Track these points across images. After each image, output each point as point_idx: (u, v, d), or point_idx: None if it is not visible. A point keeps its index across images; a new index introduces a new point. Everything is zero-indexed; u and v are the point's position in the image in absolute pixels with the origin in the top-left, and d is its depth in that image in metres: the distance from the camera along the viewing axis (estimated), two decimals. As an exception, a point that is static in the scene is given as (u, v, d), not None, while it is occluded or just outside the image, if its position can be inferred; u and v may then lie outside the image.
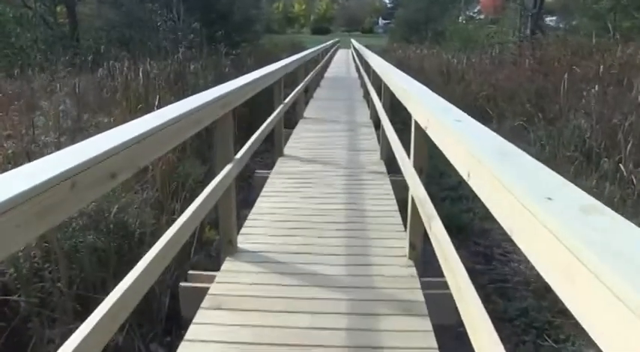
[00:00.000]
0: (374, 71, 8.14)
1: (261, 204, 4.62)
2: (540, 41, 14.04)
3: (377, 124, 8.56)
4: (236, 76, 4.51)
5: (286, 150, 6.43)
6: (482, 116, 9.77)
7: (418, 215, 2.90)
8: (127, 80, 8.02)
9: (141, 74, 7.91)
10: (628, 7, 16.35)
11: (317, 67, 13.98)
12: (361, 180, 5.33)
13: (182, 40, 12.35)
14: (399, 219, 4.22)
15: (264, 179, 5.54)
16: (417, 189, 2.95)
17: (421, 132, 2.86)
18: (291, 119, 8.69)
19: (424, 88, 3.41)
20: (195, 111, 2.43)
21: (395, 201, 4.76)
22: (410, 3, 45.61)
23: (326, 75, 18.49)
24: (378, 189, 5.04)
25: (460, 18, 34.29)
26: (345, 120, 8.97)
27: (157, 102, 7.75)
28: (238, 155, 3.49)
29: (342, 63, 25.75)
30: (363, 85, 12.43)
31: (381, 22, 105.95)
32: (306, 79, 9.16)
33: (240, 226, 3.93)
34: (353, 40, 28.68)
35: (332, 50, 25.84)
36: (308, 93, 11.78)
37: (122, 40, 15.54)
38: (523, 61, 11.16)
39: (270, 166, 6.38)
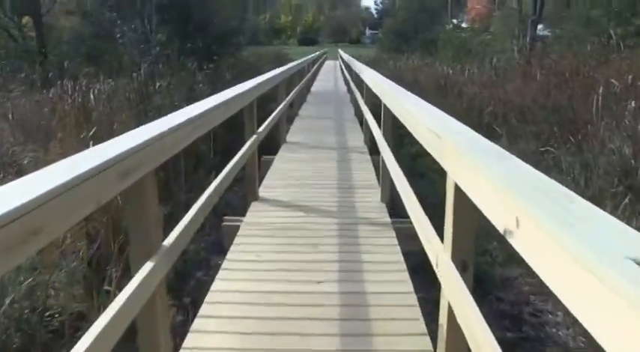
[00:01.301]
0: (367, 87, 6.92)
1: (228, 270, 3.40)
2: (543, 49, 12.90)
3: (372, 150, 7.38)
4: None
5: (262, 192, 5.14)
6: (490, 135, 8.57)
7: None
8: (75, 102, 6.75)
9: (92, 95, 6.63)
10: (621, 13, 15.40)
11: (303, 81, 12.74)
12: (357, 236, 4.06)
13: (147, 53, 11.00)
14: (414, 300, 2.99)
15: (235, 228, 4.29)
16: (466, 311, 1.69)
17: (463, 199, 1.67)
18: (272, 143, 7.44)
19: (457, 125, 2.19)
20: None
21: (405, 269, 3.49)
22: (397, 12, 44.76)
23: (313, 89, 17.23)
24: (380, 250, 3.78)
25: (447, 27, 33.35)
26: (334, 144, 7.70)
27: (114, 127, 6.51)
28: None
29: (329, 75, 24.47)
30: (354, 101, 11.20)
31: (368, 32, 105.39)
32: (287, 98, 7.89)
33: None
34: (341, 51, 27.54)
35: (319, 61, 24.62)
36: (293, 109, 10.52)
37: (91, 54, 14.26)
38: (532, 72, 9.94)
39: (242, 211, 5.12)
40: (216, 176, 3.63)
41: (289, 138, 7.99)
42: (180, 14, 15.73)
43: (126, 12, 13.48)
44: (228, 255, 3.75)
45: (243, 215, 4.58)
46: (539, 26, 17.97)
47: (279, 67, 10.77)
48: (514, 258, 5.53)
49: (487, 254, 5.71)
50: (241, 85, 4.56)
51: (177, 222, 2.40)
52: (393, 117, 3.94)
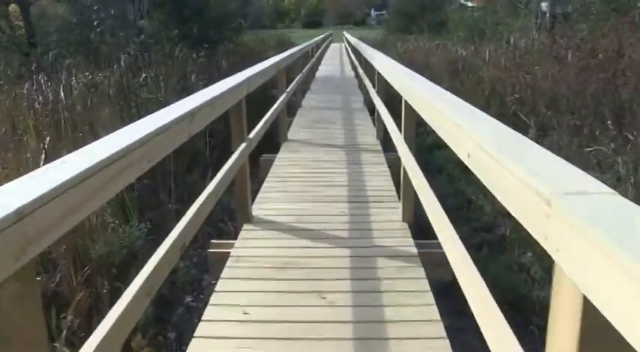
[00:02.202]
0: (379, 75, 5.98)
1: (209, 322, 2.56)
2: (569, 26, 11.82)
3: (386, 146, 6.43)
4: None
5: (257, 208, 4.19)
6: (515, 125, 7.60)
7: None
8: (46, 100, 5.81)
9: (62, 91, 5.68)
10: None
11: (307, 67, 11.74)
12: (378, 277, 3.11)
13: (129, 41, 9.95)
14: None
15: (223, 257, 3.41)
16: None
17: None
18: (272, 140, 6.51)
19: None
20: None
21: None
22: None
23: (318, 74, 16.18)
24: (408, 301, 2.82)
25: (453, 7, 32.16)
26: (343, 142, 6.72)
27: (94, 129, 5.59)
28: None
29: (335, 59, 23.32)
30: (362, 87, 10.21)
31: (373, 13, 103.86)
32: (288, 90, 6.91)
33: None
34: (346, 34, 26.41)
35: (324, 45, 23.51)
36: (296, 98, 9.54)
37: (81, 43, 13.26)
38: (561, 53, 8.89)
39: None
40: (212, 176, 3.18)
41: (291, 135, 7.03)
42: (174, -3, 14.71)
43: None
44: (212, 299, 2.87)
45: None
46: (543, 4, 16.86)
47: (282, 52, 9.84)
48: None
49: (523, 269, 4.83)
50: (225, 81, 3.61)
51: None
52: (418, 117, 3.01)
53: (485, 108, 8.14)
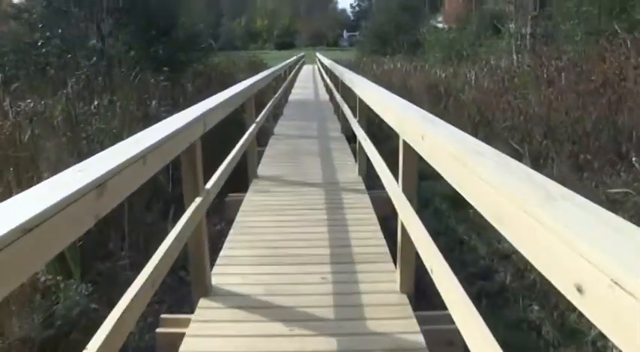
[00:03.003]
0: (361, 102, 5.27)
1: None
2: (555, 47, 11.29)
3: (370, 184, 5.68)
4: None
5: (218, 281, 3.35)
6: (507, 154, 6.90)
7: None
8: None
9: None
10: (612, 9, 13.97)
11: (279, 91, 10.98)
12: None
13: (79, 64, 9.00)
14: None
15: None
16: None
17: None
18: (240, 173, 5.68)
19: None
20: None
21: None
22: (377, 13, 43.21)
23: (291, 97, 15.41)
24: None
25: (426, 28, 31.94)
26: (321, 179, 5.92)
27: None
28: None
29: (309, 82, 22.59)
30: (340, 114, 9.47)
31: (345, 34, 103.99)
32: (257, 120, 6.10)
33: None
34: (319, 55, 25.79)
35: (297, 67, 22.81)
36: (268, 124, 8.75)
37: (39, 64, 12.25)
38: (552, 76, 8.25)
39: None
40: (175, 216, 3.12)
41: (262, 170, 6.22)
42: (142, 16, 13.79)
43: (61, 15, 11.40)
44: None
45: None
46: (512, 25, 16.46)
47: (253, 75, 9.06)
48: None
49: (532, 327, 4.14)
50: (174, 117, 2.80)
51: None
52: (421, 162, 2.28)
53: (473, 135, 7.45)
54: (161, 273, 2.19)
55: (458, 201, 6.97)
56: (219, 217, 6.07)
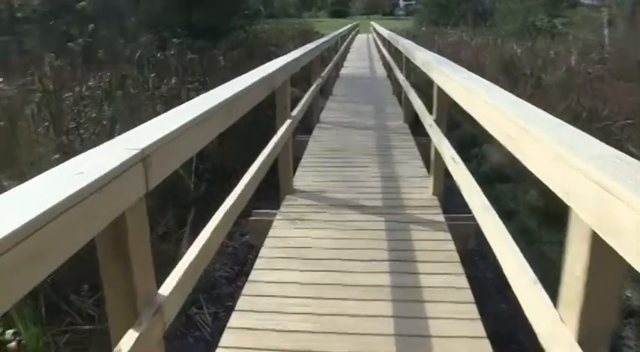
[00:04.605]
0: (440, 94, 3.67)
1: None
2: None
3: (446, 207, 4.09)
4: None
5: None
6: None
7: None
8: None
9: None
10: None
11: (328, 66, 9.29)
12: None
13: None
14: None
15: None
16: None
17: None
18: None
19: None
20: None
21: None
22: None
23: (343, 71, 13.66)
24: None
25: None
26: (379, 196, 4.30)
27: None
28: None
29: (363, 53, 20.68)
30: (400, 97, 7.78)
31: (402, 3, 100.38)
32: (295, 114, 4.42)
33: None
34: (375, 25, 23.81)
35: (350, 37, 20.91)
36: (313, 108, 7.14)
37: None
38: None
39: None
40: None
41: (299, 179, 4.62)
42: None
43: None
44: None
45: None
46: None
47: (303, 44, 7.64)
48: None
49: None
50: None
51: None
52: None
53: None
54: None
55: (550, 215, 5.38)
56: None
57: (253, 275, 3.06)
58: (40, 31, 7.78)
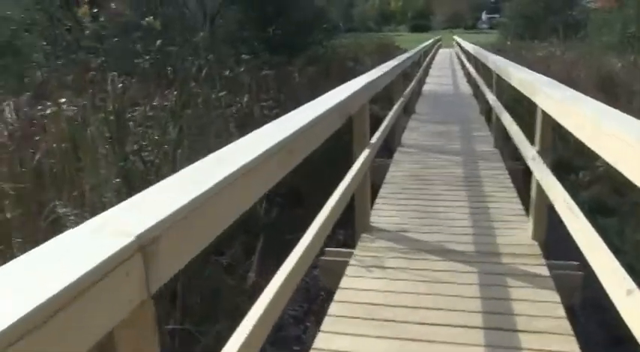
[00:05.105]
0: (545, 119, 3.08)
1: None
2: None
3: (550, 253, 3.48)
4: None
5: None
6: None
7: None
8: None
9: None
10: None
11: (412, 84, 8.72)
12: None
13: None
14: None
15: None
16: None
17: None
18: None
19: None
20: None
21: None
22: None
23: (425, 88, 13.03)
24: None
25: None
26: (470, 241, 3.69)
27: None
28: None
29: (445, 69, 19.88)
30: (495, 125, 7.09)
31: (484, 16, 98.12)
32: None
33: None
34: (458, 38, 23.00)
35: (432, 51, 20.21)
36: (395, 130, 6.56)
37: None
38: None
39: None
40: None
41: (377, 216, 4.07)
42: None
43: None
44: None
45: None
46: None
47: (383, 60, 7.33)
48: None
49: None
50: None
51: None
52: None
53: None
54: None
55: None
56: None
57: (319, 340, 2.55)
58: (108, 48, 7.64)
